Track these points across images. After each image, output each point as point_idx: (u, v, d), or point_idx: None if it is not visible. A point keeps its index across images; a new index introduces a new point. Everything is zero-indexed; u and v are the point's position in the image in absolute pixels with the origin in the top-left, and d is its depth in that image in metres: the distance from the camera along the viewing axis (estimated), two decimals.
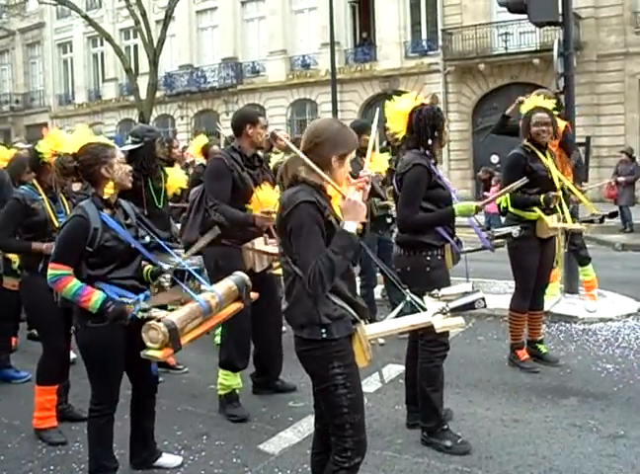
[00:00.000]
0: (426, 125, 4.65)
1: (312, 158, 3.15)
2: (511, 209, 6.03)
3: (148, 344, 3.65)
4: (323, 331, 3.15)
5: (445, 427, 4.68)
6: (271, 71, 32.02)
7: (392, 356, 5.97)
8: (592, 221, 6.88)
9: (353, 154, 3.25)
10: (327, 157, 3.17)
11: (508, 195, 5.84)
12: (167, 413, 5.33)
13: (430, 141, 4.67)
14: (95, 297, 3.87)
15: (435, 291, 3.49)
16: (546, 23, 9.38)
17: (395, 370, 5.90)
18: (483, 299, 3.37)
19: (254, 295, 4.42)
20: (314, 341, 3.17)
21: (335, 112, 22.90)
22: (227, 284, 4.19)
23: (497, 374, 6.16)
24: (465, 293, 3.45)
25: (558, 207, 6.06)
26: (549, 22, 9.18)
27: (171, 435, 4.99)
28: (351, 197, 3.07)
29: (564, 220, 6.18)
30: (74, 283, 3.87)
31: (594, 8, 24.81)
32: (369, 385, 5.64)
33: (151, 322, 3.69)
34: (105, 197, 4.08)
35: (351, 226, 3.05)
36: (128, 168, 4.22)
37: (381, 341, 6.46)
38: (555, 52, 8.74)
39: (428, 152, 4.69)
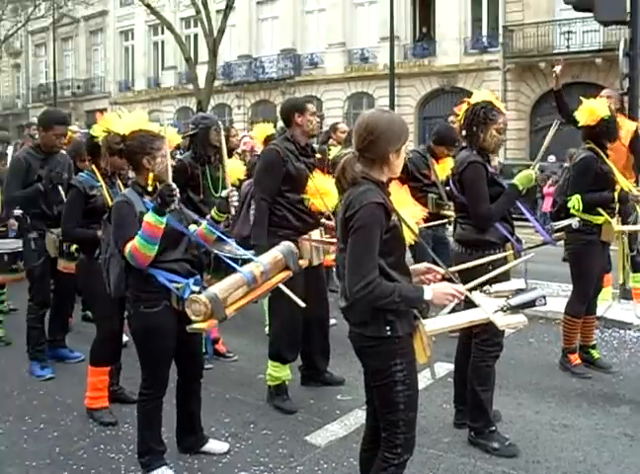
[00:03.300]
0: (471, 124, 4.60)
1: (368, 156, 3.14)
2: (577, 213, 5.91)
3: (192, 317, 3.70)
4: (388, 328, 3.13)
5: (493, 428, 4.62)
6: (329, 63, 32.03)
7: (442, 354, 5.90)
8: None
9: (407, 145, 3.22)
10: (384, 153, 3.13)
11: (579, 197, 5.78)
12: (215, 400, 5.40)
13: (475, 139, 4.62)
14: (148, 218, 3.83)
15: (486, 288, 3.44)
16: (613, 22, 9.19)
17: (444, 369, 5.85)
18: (544, 297, 3.33)
19: (302, 262, 4.42)
20: (378, 338, 3.15)
21: (392, 106, 22.80)
22: (273, 254, 4.21)
23: (547, 378, 6.07)
24: (520, 290, 3.40)
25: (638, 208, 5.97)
26: (616, 21, 8.99)
27: (219, 422, 5.04)
28: (448, 288, 3.16)
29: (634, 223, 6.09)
30: (136, 238, 3.86)
31: None
32: (419, 382, 5.62)
33: (192, 295, 3.73)
34: (146, 186, 4.09)
35: (429, 296, 3.10)
36: (171, 163, 4.23)
37: (432, 338, 6.42)
38: (621, 52, 8.55)
39: (477, 151, 4.64)
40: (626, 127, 7.50)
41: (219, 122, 6.05)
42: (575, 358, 6.21)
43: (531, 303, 3.28)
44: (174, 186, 3.85)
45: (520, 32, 26.59)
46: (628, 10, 8.53)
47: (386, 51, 23.83)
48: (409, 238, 3.26)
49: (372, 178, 3.14)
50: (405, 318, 3.15)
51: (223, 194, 4.27)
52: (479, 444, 4.60)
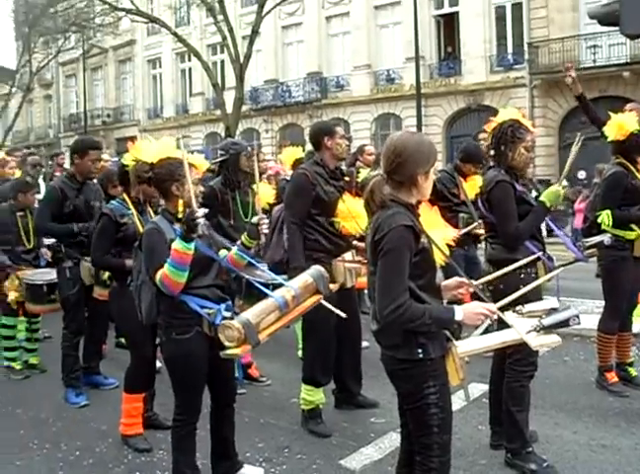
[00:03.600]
0: (499, 143, 4.59)
1: (396, 178, 3.15)
2: (608, 229, 5.84)
3: (226, 343, 3.71)
4: (420, 350, 3.13)
5: (530, 449, 4.56)
6: (355, 86, 32.15)
7: (476, 375, 5.87)
8: None
9: (435, 166, 3.23)
10: (412, 175, 3.14)
11: (609, 212, 5.74)
12: (249, 425, 5.40)
13: (504, 158, 4.61)
14: (175, 246, 3.85)
15: (519, 308, 3.42)
16: (639, 35, 9.11)
17: (479, 389, 5.80)
18: (577, 316, 3.30)
19: (333, 286, 4.43)
20: (410, 360, 3.15)
21: (419, 126, 22.83)
22: (303, 278, 4.22)
23: (584, 397, 5.99)
24: (552, 310, 3.37)
25: None
26: None
27: (253, 447, 5.04)
28: (478, 308, 3.16)
29: None
30: (165, 267, 3.88)
31: None
32: (453, 404, 5.57)
33: (225, 321, 3.75)
34: (177, 213, 4.12)
35: (459, 316, 3.10)
36: (200, 190, 4.27)
37: (465, 359, 6.37)
38: None
39: (505, 170, 4.62)
40: None
41: (249, 148, 6.11)
42: (612, 376, 6.12)
43: (565, 323, 3.24)
44: (197, 210, 3.87)
45: (546, 47, 26.50)
46: None
47: (412, 72, 23.92)
48: (439, 259, 3.25)
49: (401, 200, 3.14)
50: (437, 340, 3.14)
51: (254, 220, 4.30)
52: (516, 466, 4.53)
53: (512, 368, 4.56)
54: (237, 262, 4.24)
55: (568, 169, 4.99)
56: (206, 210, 3.96)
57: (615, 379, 6.13)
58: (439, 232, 3.30)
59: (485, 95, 28.24)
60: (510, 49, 28.71)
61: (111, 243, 5.24)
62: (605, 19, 8.89)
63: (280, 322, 3.95)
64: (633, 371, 6.25)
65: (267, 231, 4.29)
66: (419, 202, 3.25)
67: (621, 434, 5.17)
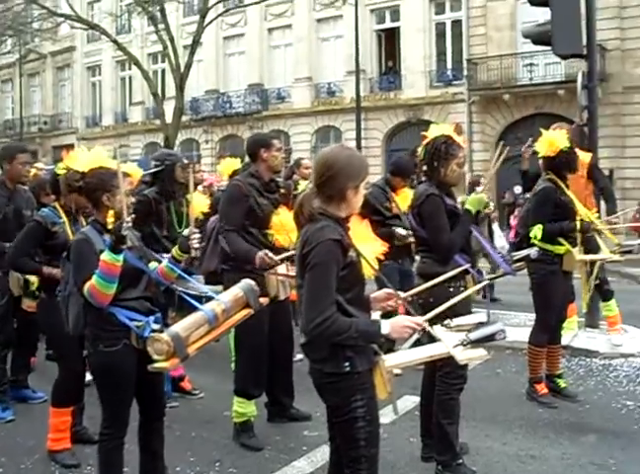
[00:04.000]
0: (432, 159, 4.65)
1: (326, 192, 3.15)
2: (538, 243, 5.96)
3: (154, 356, 3.65)
4: (347, 364, 3.12)
5: (460, 461, 4.60)
6: (296, 98, 32.25)
7: (408, 388, 5.90)
8: (630, 251, 6.81)
9: (367, 179, 3.24)
10: (342, 189, 3.14)
11: (540, 226, 5.85)
12: (181, 439, 5.33)
13: (436, 174, 4.67)
14: (103, 257, 3.78)
15: (447, 322, 3.45)
16: (571, 55, 9.37)
17: (411, 402, 5.84)
18: (504, 331, 3.33)
19: (263, 300, 4.41)
20: (337, 374, 3.14)
21: (359, 139, 22.99)
22: (234, 292, 4.19)
23: (514, 408, 6.08)
24: (480, 324, 3.41)
25: (598, 238, 6.07)
26: (574, 54, 9.16)
27: (184, 462, 4.97)
28: (405, 321, 3.16)
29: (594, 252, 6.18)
30: (93, 277, 3.80)
31: (620, 40, 24.82)
32: (385, 416, 5.52)
33: (154, 334, 3.70)
34: (106, 224, 4.06)
35: (386, 330, 3.09)
36: (131, 200, 4.21)
37: (397, 371, 6.39)
38: (579, 85, 8.72)
39: (436, 185, 4.68)
40: (581, 159, 7.61)
41: (184, 159, 6.06)
42: (541, 388, 6.23)
43: (491, 337, 3.27)
44: (125, 220, 3.80)
45: (484, 64, 27.05)
46: (585, 43, 8.71)
47: (353, 85, 24.10)
48: (368, 273, 3.26)
49: (330, 214, 3.14)
50: (364, 354, 3.14)
51: (185, 232, 4.26)
52: None
53: (442, 381, 4.61)
54: (167, 274, 4.20)
55: (490, 177, 5.10)
56: (130, 223, 3.88)
57: (545, 391, 6.24)
58: (368, 246, 3.30)
59: (424, 109, 28.62)
60: (449, 65, 29.23)
61: (33, 248, 5.14)
62: (539, 39, 9.14)
63: (209, 335, 3.91)
64: (562, 383, 6.37)
65: (197, 245, 4.25)
66: (349, 216, 3.25)
67: (549, 444, 5.26)
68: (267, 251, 5.11)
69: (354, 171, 3.16)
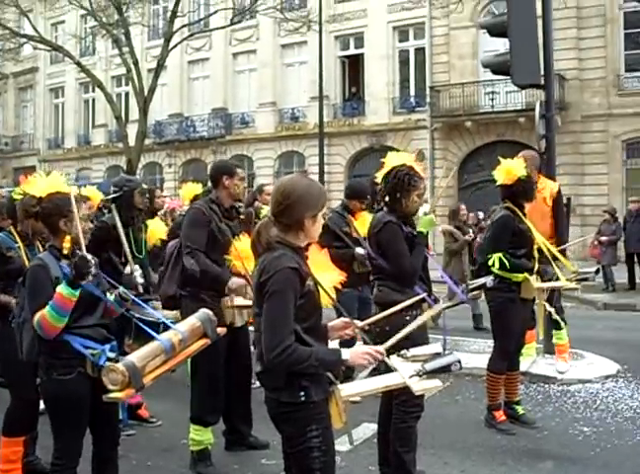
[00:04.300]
0: (394, 189, 4.69)
1: (284, 221, 3.15)
2: (497, 271, 6.01)
3: (109, 386, 3.61)
4: (302, 393, 3.11)
5: None
6: (260, 123, 32.30)
7: (368, 415, 5.89)
8: (586, 279, 6.90)
9: (324, 210, 3.25)
10: (300, 218, 3.14)
11: (499, 255, 5.90)
12: (137, 468, 5.27)
13: (397, 205, 4.70)
14: (60, 290, 3.74)
15: (403, 352, 3.45)
16: (529, 85, 9.53)
17: (370, 429, 5.82)
18: (459, 362, 3.34)
19: (221, 330, 4.38)
20: (292, 404, 3.12)
21: (322, 165, 23.08)
22: (191, 322, 4.16)
23: (473, 435, 6.09)
24: (436, 354, 3.42)
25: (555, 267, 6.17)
26: (532, 84, 9.32)
27: None
28: (365, 349, 3.20)
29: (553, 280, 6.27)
30: (46, 308, 3.75)
31: (578, 70, 25.35)
32: (343, 444, 5.51)
33: (109, 363, 3.65)
34: (63, 249, 4.01)
35: (346, 355, 3.11)
36: (89, 226, 4.18)
37: (356, 398, 6.36)
38: (537, 114, 8.85)
39: (393, 213, 4.71)
40: (549, 187, 7.74)
41: (143, 184, 6.03)
42: (500, 415, 6.26)
43: (447, 368, 3.29)
44: (90, 258, 3.77)
45: (447, 92, 27.38)
46: (543, 73, 8.87)
47: (316, 111, 24.18)
48: (326, 302, 3.26)
49: (288, 243, 3.15)
50: (319, 383, 3.14)
51: (126, 271, 4.23)
52: None
53: (398, 409, 4.61)
54: (114, 310, 4.15)
55: (437, 197, 5.16)
56: (96, 260, 3.85)
57: (503, 418, 6.26)
58: (326, 275, 3.31)
59: (387, 136, 28.86)
60: (412, 92, 29.55)
61: None
62: (498, 69, 9.29)
63: (165, 365, 3.88)
64: (520, 409, 6.39)
65: (141, 280, 4.22)
66: (308, 244, 3.26)
67: (507, 471, 5.29)
68: (246, 276, 5.12)
69: (312, 200, 3.17)
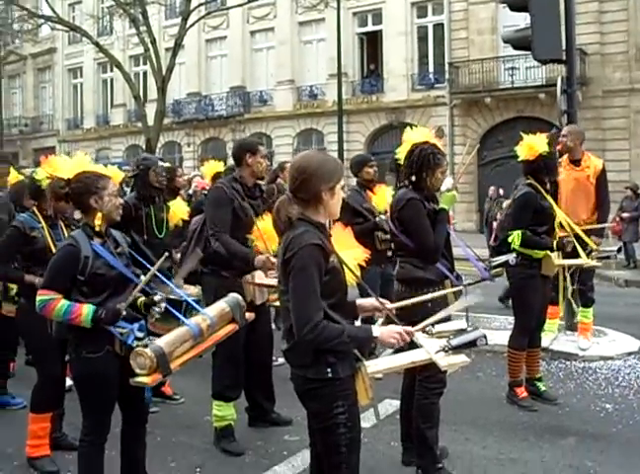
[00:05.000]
0: (413, 165, 4.67)
1: (302, 196, 3.16)
2: (517, 248, 5.98)
3: (137, 370, 3.65)
4: (329, 370, 3.13)
5: (440, 465, 4.63)
6: (278, 101, 32.22)
7: (390, 392, 5.91)
8: (608, 257, 6.86)
9: (342, 182, 3.25)
10: (317, 192, 3.15)
11: (519, 232, 5.88)
12: (161, 444, 5.32)
13: (422, 183, 4.68)
14: (85, 310, 3.86)
15: (429, 328, 3.46)
16: (550, 60, 9.43)
17: (393, 406, 5.85)
18: (485, 337, 3.35)
19: (249, 316, 4.41)
20: (319, 380, 3.14)
21: (341, 142, 23.00)
22: (220, 306, 4.19)
23: (495, 412, 6.11)
24: (461, 330, 3.42)
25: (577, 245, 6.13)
26: (553, 59, 9.23)
27: (165, 467, 4.96)
28: (397, 328, 3.21)
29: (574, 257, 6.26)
30: (62, 303, 3.87)
31: (600, 44, 25.02)
32: (366, 421, 5.53)
33: (138, 348, 3.70)
34: (95, 227, 4.07)
35: (377, 333, 3.12)
36: (119, 201, 4.22)
37: (378, 375, 6.41)
38: (558, 89, 8.77)
39: (416, 190, 4.70)
40: (593, 164, 7.67)
41: (161, 163, 6.05)
42: (521, 391, 6.27)
43: (473, 343, 3.30)
44: (123, 313, 3.90)
45: (466, 68, 27.16)
46: (564, 48, 8.78)
47: (335, 88, 24.12)
48: (350, 279, 3.28)
49: (310, 219, 3.16)
50: (346, 360, 3.16)
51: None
52: None
53: (421, 386, 4.63)
54: None
55: (461, 173, 5.14)
56: (128, 240, 3.92)
57: (525, 394, 6.27)
58: (350, 252, 3.32)
59: (406, 113, 28.71)
60: (431, 69, 29.32)
61: (14, 254, 5.13)
62: (519, 44, 9.19)
63: (193, 351, 3.92)
64: (542, 386, 6.41)
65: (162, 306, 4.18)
66: (330, 222, 3.27)
67: (529, 447, 5.30)
68: (268, 254, 5.14)
69: (327, 173, 3.18)
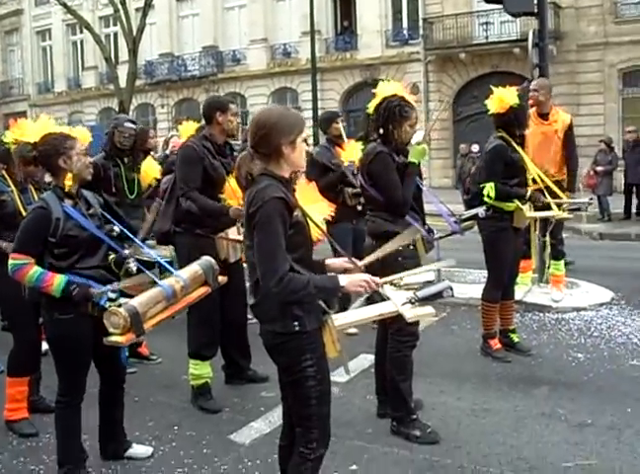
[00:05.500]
0: (380, 118, 4.67)
1: (262, 150, 3.15)
2: (489, 201, 6.00)
3: (110, 330, 3.68)
4: (296, 323, 3.14)
5: (414, 416, 4.70)
6: (252, 60, 31.91)
7: (366, 346, 5.97)
8: (578, 209, 6.93)
9: (304, 134, 3.24)
10: (277, 146, 3.14)
11: (492, 185, 5.90)
12: (139, 404, 5.36)
13: (390, 135, 4.68)
14: (57, 281, 3.87)
15: (396, 280, 3.48)
16: (522, 13, 9.40)
17: (368, 360, 5.92)
18: (451, 288, 3.37)
19: (222, 279, 4.42)
20: (286, 333, 3.16)
21: (315, 101, 22.86)
22: (193, 269, 4.20)
23: (469, 364, 6.20)
24: (428, 282, 3.44)
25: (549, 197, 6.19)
26: (525, 12, 9.20)
27: (143, 427, 5.00)
28: (363, 276, 3.20)
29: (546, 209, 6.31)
30: (35, 270, 3.88)
31: None
32: (342, 375, 5.67)
33: (112, 308, 3.71)
34: (66, 188, 4.05)
35: (344, 282, 3.11)
36: (88, 160, 4.20)
37: (354, 330, 6.49)
38: (530, 43, 8.76)
39: (386, 144, 4.70)
40: (561, 119, 7.71)
41: (129, 124, 6.01)
42: (495, 343, 6.35)
43: (439, 295, 3.32)
44: (95, 292, 3.91)
45: (440, 24, 26.99)
46: (536, 1, 8.74)
47: (308, 46, 23.84)
48: (316, 234, 3.28)
49: (273, 173, 3.15)
50: (313, 313, 3.18)
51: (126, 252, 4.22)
52: (401, 433, 4.67)
53: (393, 339, 4.68)
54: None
55: (431, 127, 5.13)
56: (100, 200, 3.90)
57: (499, 346, 6.36)
58: (315, 207, 3.32)
59: (381, 69, 28.53)
60: (405, 25, 29.10)
61: None
62: None
63: (166, 312, 3.94)
64: (515, 337, 6.50)
65: (133, 266, 4.17)
66: (295, 177, 3.26)
67: (502, 397, 5.39)
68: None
69: (286, 127, 3.16)
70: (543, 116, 7.64)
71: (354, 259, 3.50)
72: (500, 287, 6.21)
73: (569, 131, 7.71)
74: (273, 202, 3.01)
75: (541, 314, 7.73)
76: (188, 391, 5.48)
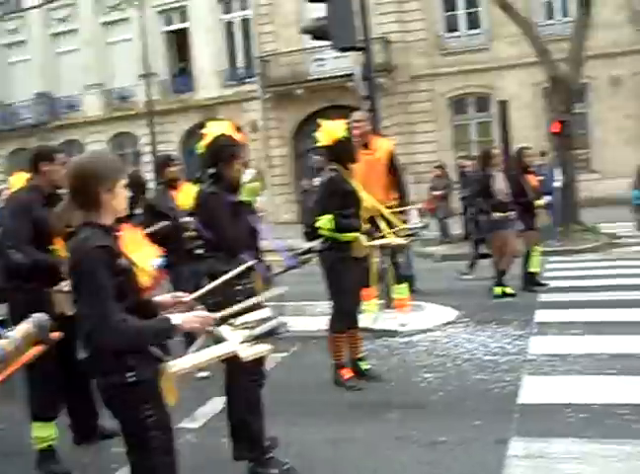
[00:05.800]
0: (216, 160, 4.67)
1: (81, 200, 3.06)
2: (326, 233, 6.09)
3: None
4: (130, 374, 3.03)
5: (270, 455, 4.64)
6: (88, 105, 31.30)
7: (218, 388, 5.86)
8: (414, 234, 7.14)
9: (123, 181, 3.17)
10: (95, 194, 3.06)
11: (330, 217, 5.98)
12: None
13: (221, 175, 4.68)
14: None
15: (232, 320, 3.45)
16: (349, 48, 9.71)
17: (221, 403, 5.78)
18: (284, 324, 3.39)
19: (55, 335, 4.22)
20: (122, 385, 3.05)
21: (154, 144, 22.64)
22: (25, 328, 3.98)
23: (323, 396, 6.22)
24: (264, 319, 3.44)
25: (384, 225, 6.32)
26: (352, 47, 9.50)
27: None
28: (196, 314, 3.17)
29: (382, 237, 6.43)
30: None
31: (402, 32, 26.14)
32: (195, 421, 5.57)
33: None
34: None
35: (177, 320, 3.04)
36: None
37: (205, 373, 6.38)
38: (357, 76, 9.06)
39: (217, 183, 4.69)
40: (384, 147, 7.97)
41: None
42: (346, 373, 6.41)
43: (274, 331, 3.32)
44: None
45: (275, 61, 27.50)
46: (362, 37, 9.07)
47: (145, 89, 23.65)
48: (145, 280, 3.20)
49: (94, 223, 3.06)
50: (147, 361, 3.08)
51: None
52: (258, 473, 4.60)
53: (241, 379, 4.62)
54: None
55: (261, 168, 5.18)
56: None
57: (350, 375, 6.42)
58: (142, 253, 3.25)
59: (219, 109, 28.64)
60: (241, 64, 29.42)
61: None
62: (318, 34, 9.42)
63: None
64: (365, 365, 6.59)
65: None
66: (120, 224, 3.18)
67: (357, 425, 5.43)
68: None
69: (103, 174, 3.08)
70: (365, 145, 7.88)
71: (179, 293, 3.44)
72: (344, 317, 6.30)
73: (392, 157, 7.98)
74: (95, 252, 2.92)
75: (391, 339, 7.90)
76: (32, 457, 5.17)
